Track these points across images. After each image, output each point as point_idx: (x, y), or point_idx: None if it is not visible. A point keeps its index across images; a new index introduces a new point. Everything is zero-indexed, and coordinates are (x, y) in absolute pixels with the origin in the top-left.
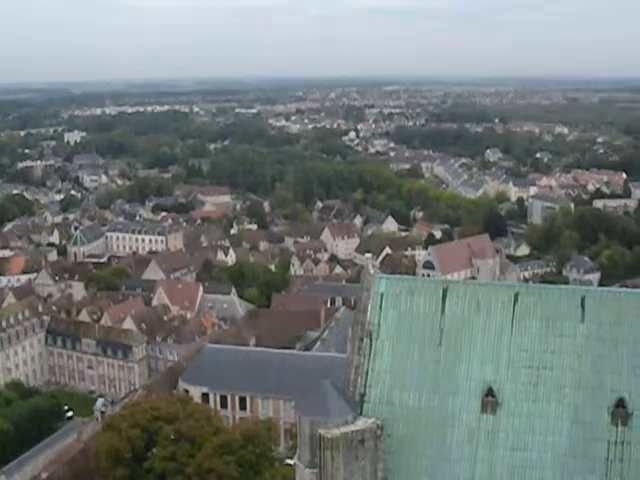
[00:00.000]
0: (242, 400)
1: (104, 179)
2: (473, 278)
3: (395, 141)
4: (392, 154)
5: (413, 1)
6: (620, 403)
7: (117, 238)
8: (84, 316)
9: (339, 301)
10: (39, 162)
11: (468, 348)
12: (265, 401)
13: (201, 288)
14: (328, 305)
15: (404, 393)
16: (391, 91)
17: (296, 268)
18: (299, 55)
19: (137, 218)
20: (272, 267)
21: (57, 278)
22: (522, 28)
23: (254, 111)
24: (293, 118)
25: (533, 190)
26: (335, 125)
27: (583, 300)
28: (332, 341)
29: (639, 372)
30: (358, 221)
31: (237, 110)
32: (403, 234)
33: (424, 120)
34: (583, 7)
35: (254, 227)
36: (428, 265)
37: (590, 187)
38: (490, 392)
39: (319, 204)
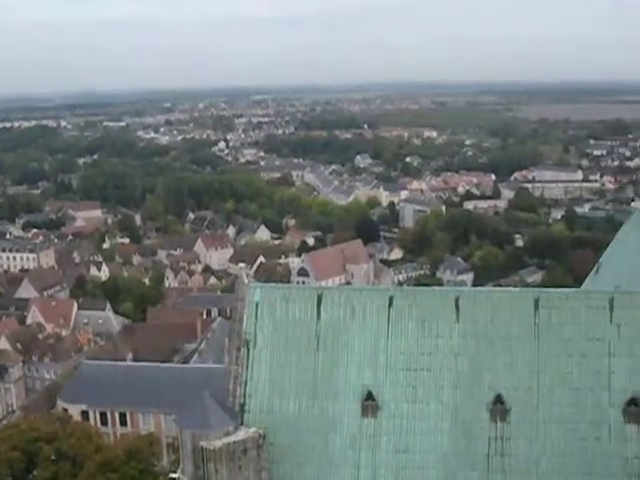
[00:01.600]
0: (122, 416)
1: None
2: (348, 283)
3: (265, 150)
4: (262, 163)
5: (280, 10)
6: (498, 400)
7: None
8: None
9: (215, 312)
10: None
11: (345, 353)
12: (146, 416)
13: (75, 305)
14: (204, 316)
15: (284, 401)
16: (259, 100)
17: (170, 281)
18: (167, 66)
19: (7, 236)
20: (146, 281)
21: None
22: (389, 33)
23: (123, 124)
24: (162, 130)
25: (404, 194)
26: (204, 136)
27: (457, 301)
28: (210, 352)
29: (515, 369)
30: (231, 231)
31: (105, 123)
32: (276, 242)
33: (293, 128)
34: (443, 13)
35: (126, 241)
36: (302, 272)
37: (460, 189)
38: (370, 396)
39: (191, 215)
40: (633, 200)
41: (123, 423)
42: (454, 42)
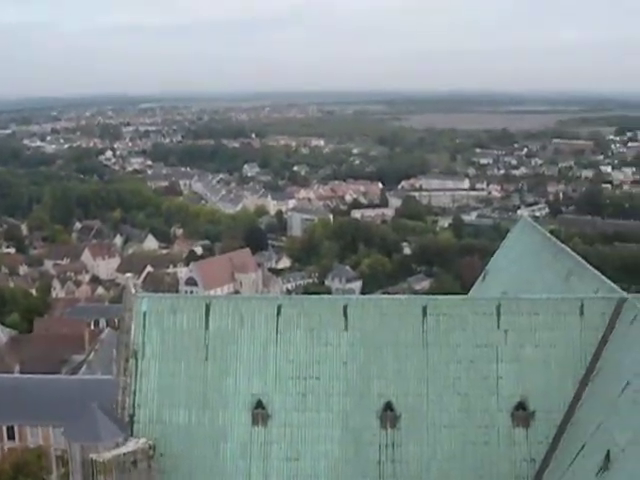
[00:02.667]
0: (10, 430)
1: None
2: (236, 292)
3: (152, 159)
4: (150, 172)
5: (169, 18)
6: (388, 406)
7: None
8: None
9: (103, 322)
10: None
11: (235, 362)
12: (34, 429)
13: None
14: (92, 327)
15: (174, 411)
16: (147, 108)
17: (57, 291)
18: (54, 73)
19: None
20: (33, 291)
21: None
22: (278, 43)
23: (8, 132)
24: (49, 138)
25: (292, 203)
26: (91, 144)
27: (345, 309)
28: (98, 363)
29: (404, 376)
30: (118, 240)
31: None
32: (164, 252)
33: (180, 137)
34: (330, 23)
35: (12, 251)
36: (191, 282)
37: (348, 198)
38: (260, 404)
39: (78, 225)
40: (519, 208)
41: (11, 437)
42: (341, 51)
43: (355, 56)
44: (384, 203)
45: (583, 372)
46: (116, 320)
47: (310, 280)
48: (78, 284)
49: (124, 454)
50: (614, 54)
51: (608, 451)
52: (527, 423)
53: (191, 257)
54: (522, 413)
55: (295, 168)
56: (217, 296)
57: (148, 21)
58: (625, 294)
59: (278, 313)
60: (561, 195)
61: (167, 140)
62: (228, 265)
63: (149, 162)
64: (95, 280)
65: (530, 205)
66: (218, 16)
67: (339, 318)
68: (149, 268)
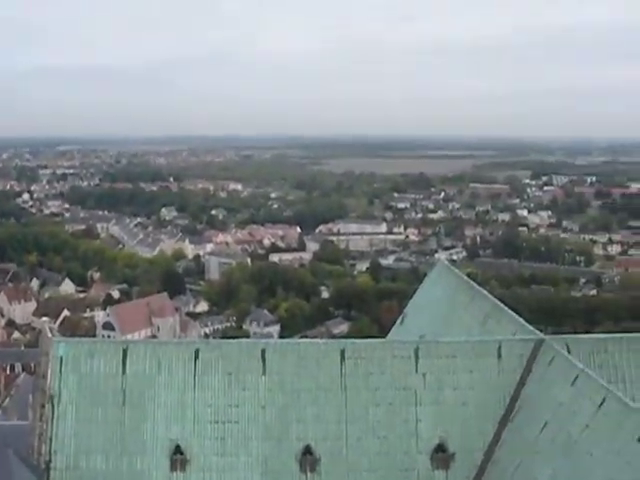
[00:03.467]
0: None
1: None
2: (154, 337)
3: (70, 202)
4: (67, 215)
5: (89, 60)
6: (307, 450)
7: None
8: None
9: (19, 367)
10: None
11: (152, 407)
12: None
13: None
14: (7, 372)
15: (91, 457)
16: (65, 151)
17: None
18: None
19: None
20: None
21: None
22: (196, 87)
23: None
24: None
25: (210, 247)
26: (8, 187)
27: (263, 352)
28: (13, 409)
29: (323, 419)
30: (35, 284)
31: None
32: (81, 296)
33: (98, 180)
34: (246, 69)
35: None
36: (108, 326)
37: (266, 242)
38: (178, 450)
39: None
40: (436, 251)
41: None
42: (260, 97)
43: (274, 101)
44: (302, 247)
45: (502, 413)
46: (32, 365)
47: (228, 324)
48: None
49: None
50: (528, 101)
51: None
52: (447, 465)
53: (108, 301)
54: (442, 455)
55: (213, 212)
56: (134, 340)
57: (69, 63)
58: (542, 335)
59: (196, 357)
60: (478, 238)
61: (85, 183)
62: (145, 309)
63: (66, 205)
64: (11, 324)
65: (447, 249)
66: (136, 60)
67: (257, 362)
68: (66, 312)
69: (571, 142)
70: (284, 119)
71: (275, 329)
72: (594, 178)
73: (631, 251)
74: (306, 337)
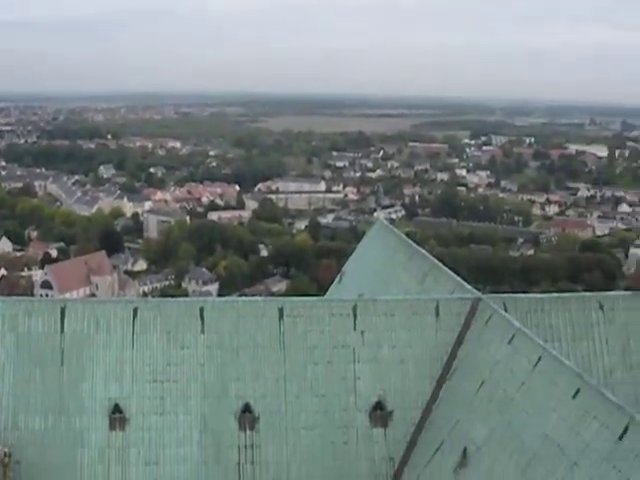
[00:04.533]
0: None
1: None
2: (92, 295)
3: (6, 159)
4: (3, 173)
5: (24, 13)
6: (246, 408)
7: None
8: None
9: None
10: None
11: (91, 367)
12: None
13: None
14: None
15: (29, 417)
16: (1, 108)
17: None
18: None
19: None
20: None
21: None
22: (136, 42)
23: None
24: None
25: (148, 205)
26: None
27: (202, 311)
28: None
29: (261, 377)
30: None
31: None
32: (19, 254)
33: (36, 137)
34: (196, 26)
35: None
36: (46, 285)
37: (205, 200)
38: (117, 409)
39: None
40: (375, 210)
41: None
42: (198, 53)
43: (212, 57)
44: (241, 205)
45: (440, 372)
46: None
47: (167, 282)
48: None
49: None
50: (467, 60)
51: (465, 448)
52: (385, 422)
53: (46, 260)
54: (380, 413)
55: (151, 170)
56: (72, 299)
57: (4, 16)
58: (480, 294)
59: (134, 316)
60: (417, 198)
61: (22, 140)
62: (84, 268)
63: (3, 163)
64: None
65: (386, 207)
66: (71, 14)
67: (196, 320)
68: (3, 271)
69: (510, 103)
70: (223, 76)
71: (214, 287)
72: (533, 139)
73: (568, 212)
74: (245, 295)
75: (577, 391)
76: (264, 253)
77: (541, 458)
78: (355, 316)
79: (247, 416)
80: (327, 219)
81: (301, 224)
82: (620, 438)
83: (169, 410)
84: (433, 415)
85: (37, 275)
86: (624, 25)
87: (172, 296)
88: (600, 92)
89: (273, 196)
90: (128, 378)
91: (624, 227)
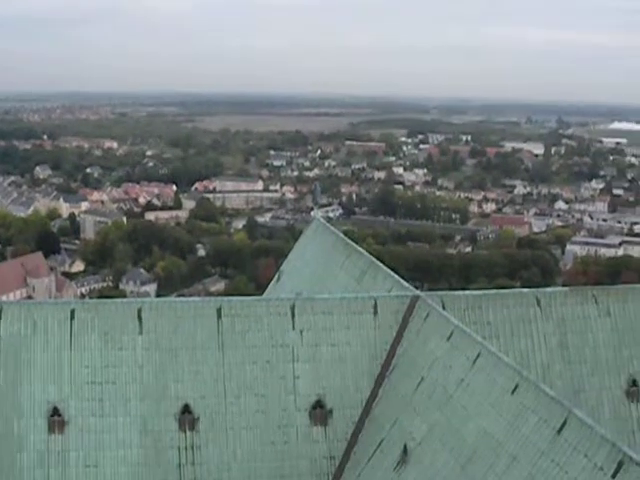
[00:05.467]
0: None
1: None
2: (29, 298)
3: None
4: None
5: None
6: (186, 409)
7: None
8: None
9: None
10: None
11: (28, 369)
12: None
13: None
14: None
15: None
16: None
17: None
18: None
19: None
20: None
21: None
22: (71, 42)
23: None
24: None
25: (85, 205)
26: None
27: (140, 312)
28: None
29: (201, 378)
30: None
31: None
32: None
33: None
34: (134, 24)
35: None
36: None
37: (142, 200)
38: (56, 411)
39: None
40: (312, 209)
41: None
42: (135, 52)
43: (148, 56)
44: (178, 205)
45: (379, 370)
46: None
47: (104, 284)
48: None
49: None
50: (402, 59)
51: (405, 445)
52: (325, 421)
53: None
54: (320, 411)
55: (88, 170)
56: (8, 302)
57: None
58: (418, 292)
59: (72, 318)
60: (354, 196)
61: None
62: (20, 270)
63: None
64: None
65: (324, 206)
66: (20, 13)
67: (133, 321)
68: None
69: (447, 101)
70: (158, 76)
71: (152, 288)
72: (469, 137)
73: (505, 209)
74: (183, 295)
75: (516, 386)
76: (202, 253)
77: (481, 454)
78: (294, 315)
79: (187, 417)
80: (265, 218)
81: (239, 223)
82: (559, 432)
83: (108, 412)
84: (373, 413)
85: None
86: (559, 25)
87: (110, 297)
88: (536, 90)
89: (210, 195)
90: (66, 380)
91: (560, 224)
